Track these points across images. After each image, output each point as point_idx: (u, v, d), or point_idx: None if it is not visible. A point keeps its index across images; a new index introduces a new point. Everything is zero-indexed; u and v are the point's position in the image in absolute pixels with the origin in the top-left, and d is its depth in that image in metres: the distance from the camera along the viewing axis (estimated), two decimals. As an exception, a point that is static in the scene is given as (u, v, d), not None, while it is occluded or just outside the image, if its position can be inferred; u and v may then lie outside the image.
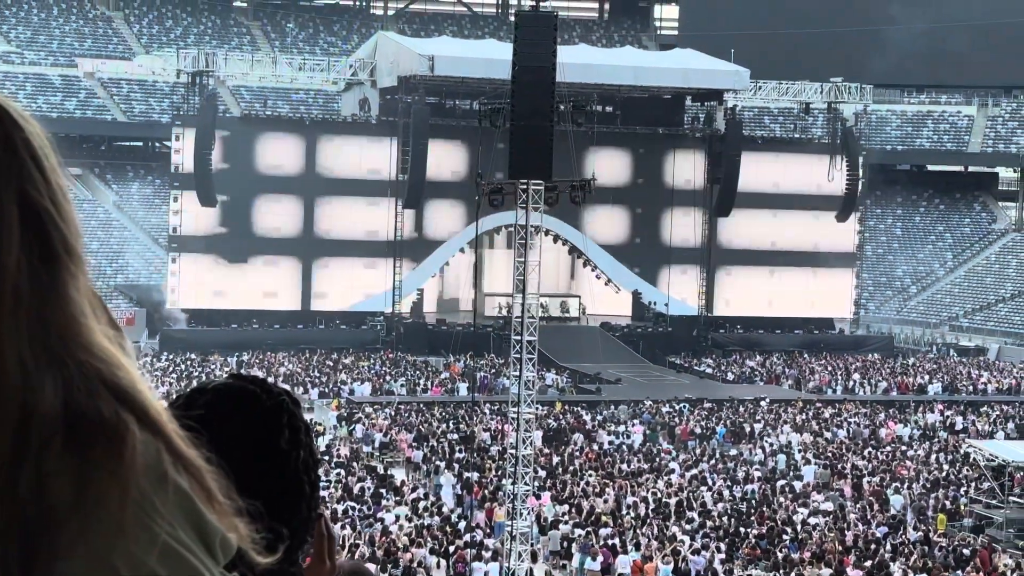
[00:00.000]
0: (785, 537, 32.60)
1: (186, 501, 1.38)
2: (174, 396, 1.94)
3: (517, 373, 33.88)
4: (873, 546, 32.20)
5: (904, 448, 47.13)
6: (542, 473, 38.99)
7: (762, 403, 54.71)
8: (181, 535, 1.36)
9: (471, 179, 61.85)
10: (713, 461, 43.60)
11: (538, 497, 35.53)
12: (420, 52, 70.09)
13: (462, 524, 33.96)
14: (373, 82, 74.90)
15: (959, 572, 30.47)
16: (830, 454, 44.95)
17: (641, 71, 73.59)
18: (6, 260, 1.35)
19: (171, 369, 58.94)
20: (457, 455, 42.72)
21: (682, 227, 76.99)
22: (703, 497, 37.54)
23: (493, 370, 61.79)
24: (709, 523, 34.09)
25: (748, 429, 49.70)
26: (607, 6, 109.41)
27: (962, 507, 38.22)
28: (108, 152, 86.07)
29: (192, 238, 69.94)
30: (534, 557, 31.31)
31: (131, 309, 70.15)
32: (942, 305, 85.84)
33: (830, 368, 67.59)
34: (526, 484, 32.21)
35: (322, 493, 34.77)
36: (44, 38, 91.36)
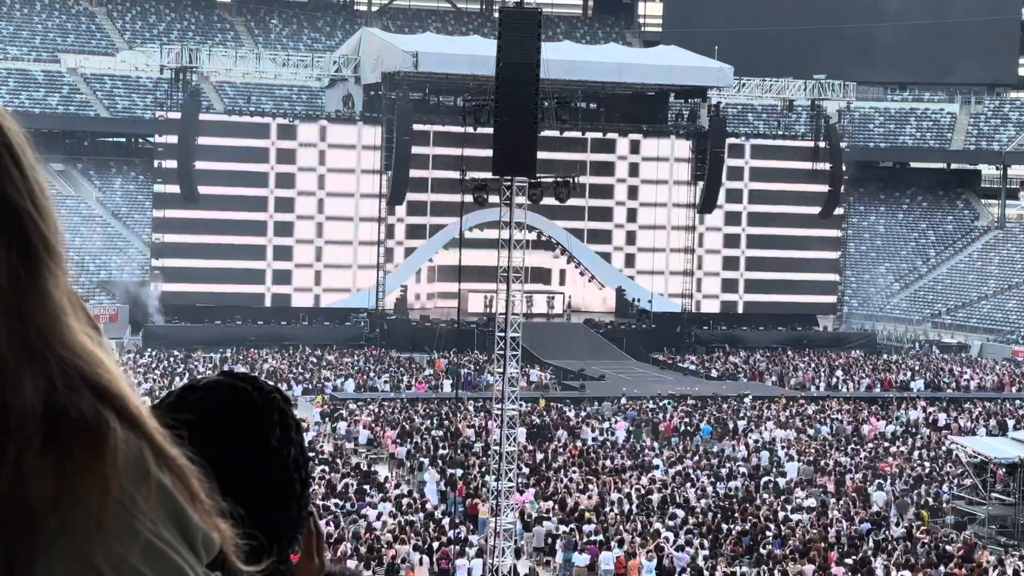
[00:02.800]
0: (768, 533, 32.65)
1: (168, 499, 1.37)
2: (163, 393, 1.94)
3: (501, 370, 33.88)
4: (856, 542, 32.28)
5: (887, 445, 47.24)
6: (526, 470, 39.00)
7: (745, 400, 54.79)
8: (164, 533, 1.35)
9: (455, 175, 61.80)
10: (697, 458, 43.66)
11: (522, 493, 35.54)
12: (404, 48, 70.02)
13: (446, 520, 33.96)
14: (357, 78, 74.79)
15: (942, 568, 30.54)
16: (813, 451, 45.04)
17: (625, 68, 73.63)
18: (-17, 256, 1.34)
19: (155, 365, 58.83)
20: (441, 452, 42.72)
21: (666, 223, 77.04)
22: (687, 493, 37.59)
23: (477, 367, 61.78)
24: (692, 519, 34.13)
25: (732, 426, 49.77)
26: (591, 3, 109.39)
27: (944, 503, 38.34)
28: (91, 148, 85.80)
29: (175, 234, 69.80)
30: (518, 554, 31.32)
31: (114, 306, 69.97)
32: (925, 302, 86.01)
33: (813, 365, 67.72)
34: (510, 481, 32.22)
35: (306, 490, 34.83)
36: (27, 33, 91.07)
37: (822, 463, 42.85)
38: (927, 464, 43.38)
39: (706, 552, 31.23)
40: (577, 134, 73.12)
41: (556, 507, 35.26)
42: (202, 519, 1.40)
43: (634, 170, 76.71)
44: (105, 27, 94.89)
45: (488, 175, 38.94)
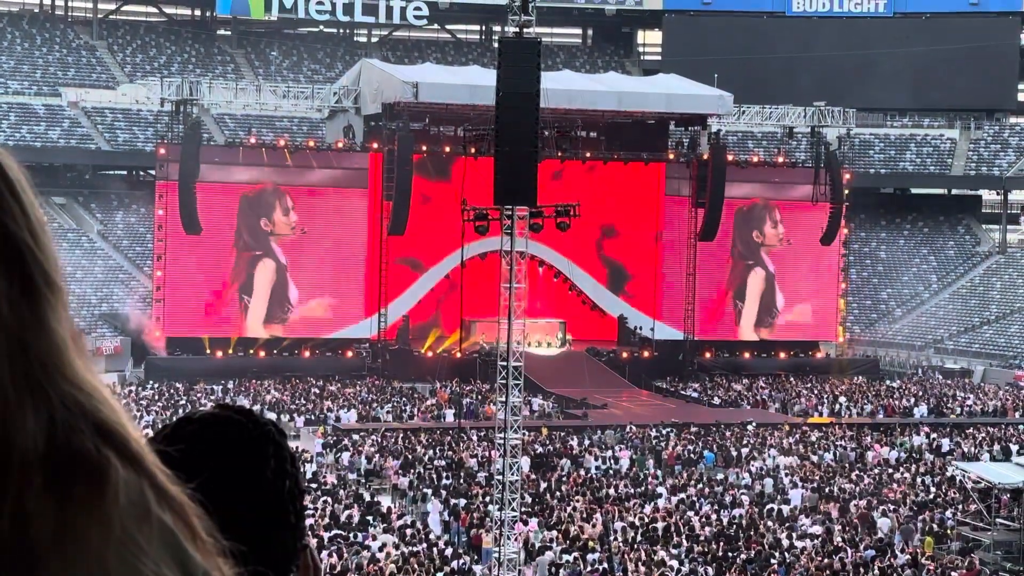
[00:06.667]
0: (773, 561, 32.57)
1: (170, 538, 1.36)
2: (160, 427, 1.94)
3: (503, 399, 33.85)
4: (861, 569, 32.18)
5: (891, 471, 47.17)
6: (529, 499, 38.92)
7: (748, 427, 54.72)
8: (166, 573, 1.34)
9: (456, 205, 61.87)
10: (700, 485, 43.58)
11: (525, 523, 35.46)
12: (404, 79, 70.17)
13: (449, 551, 33.88)
14: (357, 109, 74.95)
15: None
16: (817, 477, 44.96)
17: (625, 96, 73.75)
18: (-14, 291, 1.34)
19: (157, 398, 58.79)
20: (444, 481, 42.65)
21: (667, 251, 77.08)
22: (691, 521, 37.51)
23: (479, 396, 61.72)
24: (697, 547, 34.05)
25: (735, 453, 49.70)
26: (590, 32, 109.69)
27: (949, 530, 38.24)
28: (92, 181, 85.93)
29: (177, 266, 69.84)
30: (522, 583, 31.22)
31: (116, 338, 70.00)
32: (927, 328, 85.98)
33: (816, 391, 67.66)
34: (513, 510, 32.15)
35: (309, 520, 34.49)
36: (28, 67, 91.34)
37: (826, 490, 42.77)
38: (931, 490, 43.31)
39: (711, 580, 31.13)
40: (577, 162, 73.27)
41: (560, 536, 35.19)
42: (203, 558, 1.40)
43: (634, 198, 76.80)
44: (106, 60, 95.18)
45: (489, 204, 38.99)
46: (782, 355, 76.93)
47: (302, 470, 42.87)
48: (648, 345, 73.94)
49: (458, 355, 68.59)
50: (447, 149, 71.46)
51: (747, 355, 76.53)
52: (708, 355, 75.85)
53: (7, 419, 1.32)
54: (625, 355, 72.74)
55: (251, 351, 69.89)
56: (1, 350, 1.34)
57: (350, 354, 70.79)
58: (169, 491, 1.39)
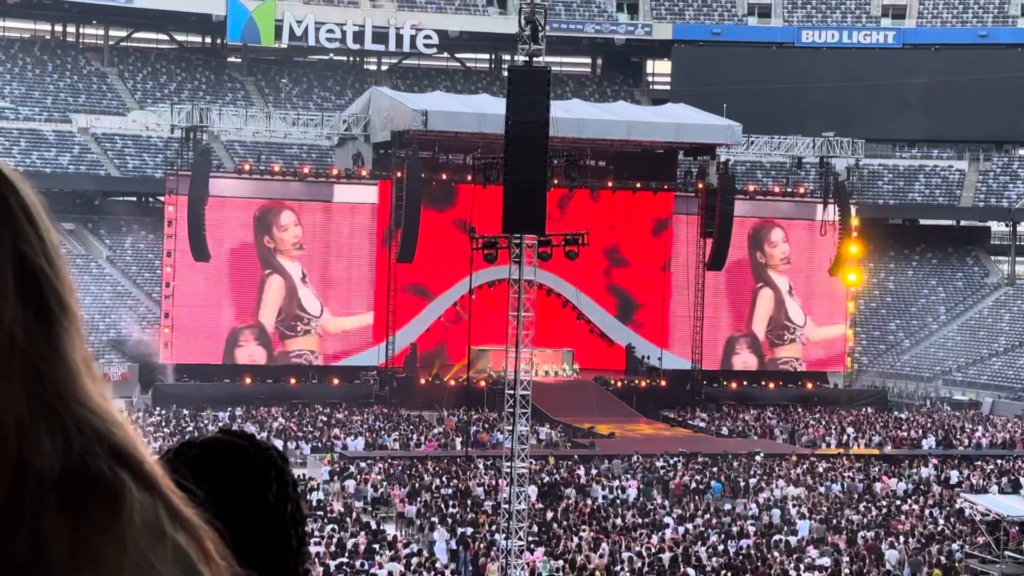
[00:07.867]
0: (780, 592, 32.45)
1: (184, 559, 1.37)
2: (163, 451, 1.95)
3: (511, 427, 33.82)
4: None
5: (899, 503, 47.01)
6: (536, 528, 38.82)
7: (756, 457, 54.58)
8: (179, 593, 1.35)
9: (464, 233, 61.94)
10: (708, 516, 43.45)
11: (532, 552, 35.36)
12: (413, 107, 70.27)
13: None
14: (367, 137, 75.06)
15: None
16: (825, 509, 44.83)
17: (634, 126, 73.80)
18: (1, 315, 1.35)
19: (164, 424, 58.76)
20: (451, 510, 42.56)
21: (675, 280, 77.04)
22: (698, 552, 37.39)
23: (487, 425, 61.62)
24: (704, 578, 33.95)
25: (742, 483, 49.56)
26: (600, 61, 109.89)
27: (957, 562, 38.10)
28: (102, 207, 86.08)
29: (185, 293, 69.89)
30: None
31: (124, 364, 70.00)
32: (935, 359, 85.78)
33: (824, 422, 67.51)
34: (520, 539, 32.07)
35: (316, 549, 34.36)
36: (38, 94, 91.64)
37: (834, 521, 42.63)
38: (940, 522, 43.16)
39: (718, 611, 31.02)
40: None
41: (567, 566, 35.07)
42: (216, 579, 1.40)
43: (643, 227, 76.87)
44: (116, 87, 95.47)
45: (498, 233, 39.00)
46: (790, 385, 76.80)
47: (307, 497, 42.84)
48: (658, 374, 73.87)
49: (464, 382, 68.49)
50: (456, 177, 71.54)
51: (755, 385, 76.42)
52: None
53: (23, 443, 1.33)
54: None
55: (259, 378, 69.83)
56: (16, 375, 1.35)
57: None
58: (183, 513, 1.40)
